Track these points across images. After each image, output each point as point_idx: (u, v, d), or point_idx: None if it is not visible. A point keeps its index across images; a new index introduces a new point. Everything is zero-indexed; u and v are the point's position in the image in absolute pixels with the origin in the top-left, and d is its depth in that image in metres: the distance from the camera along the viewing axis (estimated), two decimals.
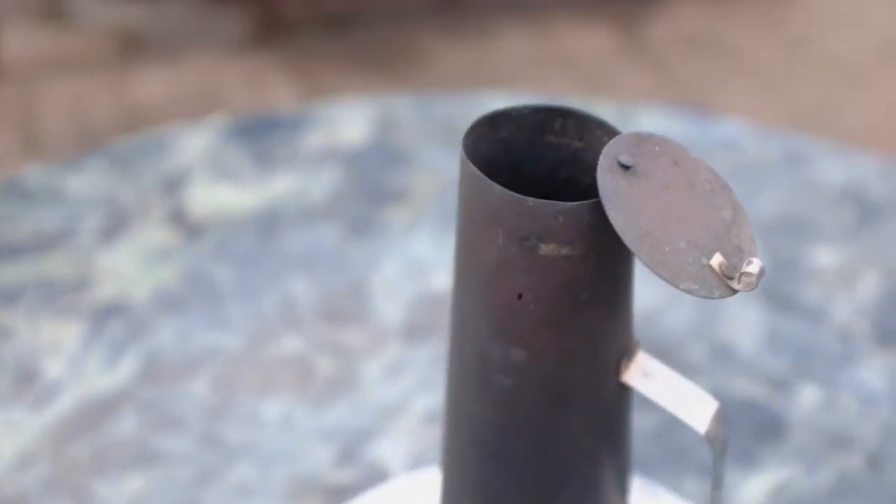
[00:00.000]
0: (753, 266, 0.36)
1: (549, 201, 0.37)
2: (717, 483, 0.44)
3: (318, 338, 0.65)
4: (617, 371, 0.41)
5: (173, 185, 0.75)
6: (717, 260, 0.37)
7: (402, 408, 0.61)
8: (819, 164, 0.78)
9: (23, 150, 1.77)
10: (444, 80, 1.95)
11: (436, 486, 0.56)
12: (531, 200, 0.37)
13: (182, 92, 1.90)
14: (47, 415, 0.60)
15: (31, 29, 2.01)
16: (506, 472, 0.43)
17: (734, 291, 0.36)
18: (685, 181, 0.38)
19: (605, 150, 0.37)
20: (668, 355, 0.64)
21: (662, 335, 0.65)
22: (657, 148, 0.38)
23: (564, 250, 0.38)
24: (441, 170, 0.76)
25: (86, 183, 0.74)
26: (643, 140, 0.38)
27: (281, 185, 0.75)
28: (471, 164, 0.39)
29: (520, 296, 0.39)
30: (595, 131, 0.41)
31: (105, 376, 0.62)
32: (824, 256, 0.71)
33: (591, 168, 0.41)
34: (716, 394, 0.62)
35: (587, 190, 0.42)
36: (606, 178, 0.36)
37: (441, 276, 0.69)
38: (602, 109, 0.81)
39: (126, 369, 0.63)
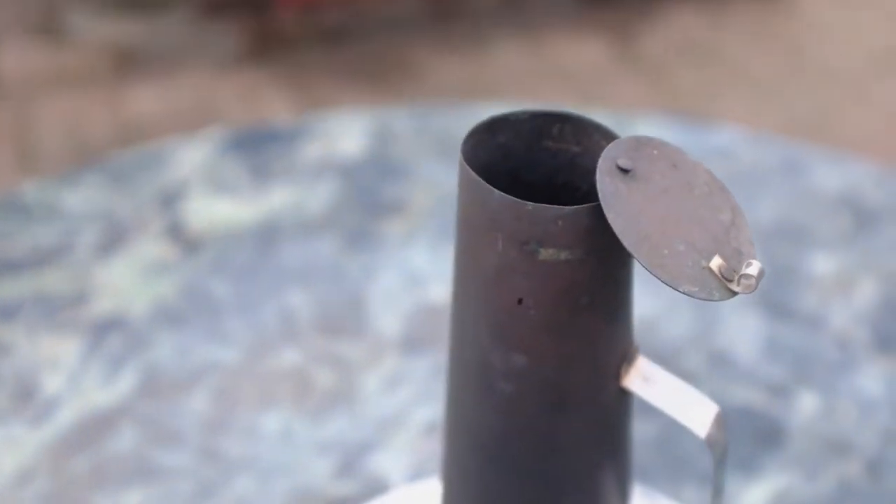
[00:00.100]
0: (753, 268, 0.36)
1: (548, 205, 0.37)
2: (717, 489, 0.44)
3: (316, 350, 0.65)
4: (617, 376, 0.41)
5: (170, 199, 0.75)
6: (716, 262, 0.37)
7: (401, 420, 0.61)
8: (815, 171, 0.78)
9: (19, 167, 1.77)
10: (440, 92, 1.95)
11: (436, 496, 0.56)
12: (530, 205, 0.37)
13: (178, 107, 1.91)
14: (46, 430, 0.60)
15: (26, 45, 2.01)
16: (507, 477, 0.43)
17: (734, 293, 0.36)
18: (684, 184, 0.38)
19: (603, 154, 0.37)
20: (666, 363, 0.64)
21: (661, 343, 0.65)
22: (655, 151, 0.38)
23: (564, 254, 0.38)
24: (438, 181, 0.76)
25: (83, 198, 0.74)
26: (641, 144, 0.38)
27: (278, 198, 0.75)
28: (469, 170, 0.39)
29: (520, 301, 0.39)
30: (593, 136, 0.41)
31: (104, 391, 0.62)
32: (821, 263, 0.71)
33: (590, 173, 0.41)
34: (715, 401, 0.62)
35: (586, 195, 0.42)
36: (605, 182, 0.36)
37: (439, 288, 0.69)
38: (598, 119, 0.81)
39: (125, 384, 0.63)
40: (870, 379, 0.64)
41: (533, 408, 0.41)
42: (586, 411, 0.41)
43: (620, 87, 1.97)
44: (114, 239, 0.72)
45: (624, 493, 0.45)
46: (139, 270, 0.70)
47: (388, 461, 0.59)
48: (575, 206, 0.37)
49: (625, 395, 0.42)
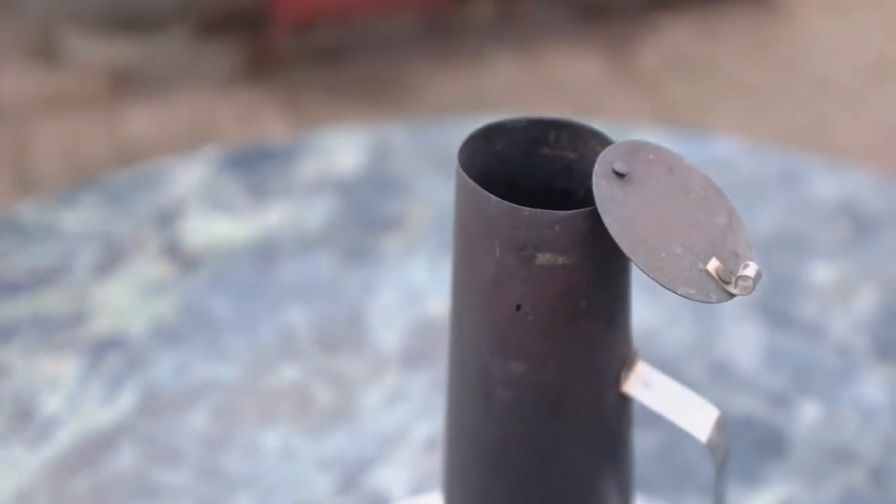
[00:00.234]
0: (750, 270, 0.36)
1: (544, 210, 0.37)
2: (719, 495, 0.44)
3: (316, 367, 0.65)
4: (617, 381, 0.41)
5: (168, 217, 0.74)
6: (713, 265, 0.37)
7: (401, 435, 0.61)
8: (813, 180, 0.78)
9: (16, 189, 1.77)
10: (438, 109, 1.96)
11: None
12: (527, 210, 0.37)
13: (174, 128, 1.91)
14: (45, 451, 0.60)
15: (23, 68, 2.01)
16: (508, 485, 0.42)
17: (731, 295, 0.36)
18: (680, 188, 0.38)
19: (599, 158, 0.37)
20: (667, 373, 0.64)
21: (661, 354, 0.65)
22: (651, 156, 0.38)
23: (561, 259, 0.38)
24: (436, 196, 0.76)
25: (80, 218, 0.74)
26: (637, 148, 0.38)
27: (276, 216, 0.75)
28: (466, 177, 0.39)
29: (518, 307, 0.39)
30: (589, 142, 0.41)
31: (103, 411, 0.62)
32: (821, 272, 0.71)
33: (586, 179, 0.41)
34: None
35: (582, 201, 0.42)
36: (602, 186, 0.36)
37: (438, 303, 0.69)
38: None
39: (124, 403, 0.62)
40: (871, 386, 0.63)
41: (533, 414, 0.41)
42: (586, 417, 0.41)
43: (616, 101, 1.98)
44: (112, 258, 0.72)
45: (625, 499, 0.45)
46: (137, 290, 0.69)
47: (389, 477, 0.59)
48: (571, 211, 0.37)
49: (625, 401, 0.42)
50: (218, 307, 0.68)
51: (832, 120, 1.94)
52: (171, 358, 0.65)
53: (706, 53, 2.11)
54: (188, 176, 0.78)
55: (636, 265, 0.35)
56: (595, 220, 0.37)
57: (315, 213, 0.75)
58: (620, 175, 0.37)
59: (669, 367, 0.65)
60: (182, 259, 0.71)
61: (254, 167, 0.79)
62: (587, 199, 0.42)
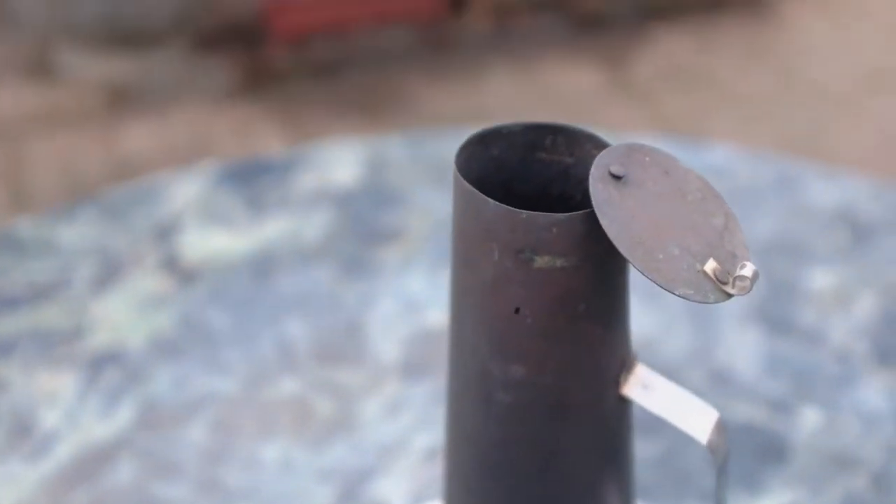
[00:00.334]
0: (747, 270, 0.36)
1: (542, 213, 0.37)
2: (720, 497, 0.43)
3: (315, 379, 0.64)
4: (616, 384, 0.41)
5: (165, 232, 0.74)
6: (710, 265, 0.37)
7: (401, 446, 0.61)
8: (810, 187, 0.78)
9: (13, 206, 1.77)
10: (434, 122, 1.96)
11: None
12: (524, 213, 0.37)
13: (171, 143, 1.91)
14: (44, 466, 0.60)
15: (19, 85, 2.01)
16: (508, 487, 0.42)
17: (729, 296, 0.37)
18: (676, 190, 0.38)
19: (596, 161, 0.37)
20: None
21: (661, 362, 0.65)
22: (647, 158, 0.38)
23: (559, 262, 0.38)
24: (433, 207, 0.76)
25: (78, 233, 0.74)
26: (633, 151, 0.38)
27: (273, 228, 0.75)
28: (464, 181, 0.39)
29: (517, 310, 0.39)
30: (585, 146, 0.41)
31: (102, 425, 0.62)
32: (820, 278, 0.71)
33: (583, 183, 0.41)
34: None
35: (579, 205, 0.42)
36: (598, 188, 0.36)
37: (436, 314, 0.69)
38: None
39: (123, 417, 0.62)
40: (871, 392, 0.63)
41: (533, 417, 0.41)
42: (586, 420, 0.41)
43: (613, 112, 1.98)
44: (110, 273, 0.71)
45: (626, 502, 0.45)
46: (136, 304, 0.69)
47: (389, 487, 0.58)
48: (569, 213, 0.37)
49: (624, 404, 0.42)
50: (216, 320, 0.68)
51: (828, 129, 1.94)
52: (170, 371, 0.65)
53: (702, 64, 2.11)
54: (186, 190, 0.78)
55: (634, 266, 0.35)
56: (592, 222, 0.37)
57: (313, 225, 0.75)
58: (617, 177, 0.37)
59: (669, 375, 0.64)
60: (180, 273, 0.71)
61: (251, 181, 0.79)
62: (584, 204, 0.42)
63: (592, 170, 0.37)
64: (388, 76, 2.08)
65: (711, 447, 0.41)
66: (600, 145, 0.40)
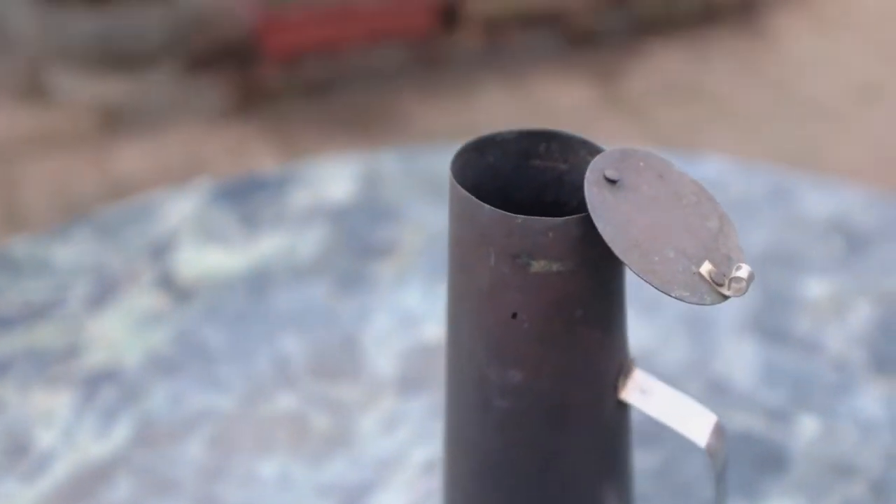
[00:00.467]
0: (742, 271, 0.36)
1: (537, 217, 0.37)
2: (719, 500, 0.43)
3: (312, 394, 0.64)
4: (614, 388, 0.41)
5: (160, 249, 0.74)
6: (706, 268, 0.37)
7: (399, 460, 0.61)
8: (804, 197, 0.78)
9: (7, 227, 1.77)
10: (425, 139, 1.96)
11: None
12: (520, 218, 0.37)
13: (165, 164, 1.91)
14: (41, 485, 0.60)
15: (13, 108, 2.01)
16: (507, 493, 0.42)
17: (725, 297, 0.37)
18: (671, 193, 0.38)
19: (591, 166, 0.37)
20: None
21: (658, 372, 0.65)
22: (642, 163, 0.38)
23: (556, 266, 0.38)
24: (427, 222, 0.76)
25: (73, 252, 0.74)
26: (628, 155, 0.38)
27: (268, 245, 0.75)
28: (459, 187, 0.39)
29: (514, 315, 0.39)
30: (579, 152, 0.41)
31: (98, 443, 0.62)
32: (815, 287, 0.71)
33: (578, 189, 0.42)
34: None
35: (574, 211, 0.42)
36: (593, 192, 0.37)
37: (432, 328, 0.69)
38: None
39: (119, 435, 0.62)
40: (869, 400, 0.63)
41: (531, 423, 0.41)
42: (584, 425, 0.41)
43: (606, 127, 1.98)
44: (105, 291, 0.71)
45: None
46: (131, 322, 0.69)
47: (388, 501, 0.58)
48: (564, 218, 0.37)
49: (623, 408, 0.42)
50: (212, 337, 0.68)
51: (821, 142, 1.95)
52: (166, 388, 0.65)
53: (694, 78, 2.12)
54: (180, 208, 0.78)
55: (630, 269, 0.35)
56: (588, 226, 0.37)
57: (308, 241, 0.75)
58: (612, 181, 0.37)
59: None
60: (176, 290, 0.71)
61: (246, 198, 0.79)
62: (579, 209, 0.42)
63: (587, 174, 0.37)
64: (380, 94, 2.08)
65: (710, 450, 0.41)
66: (594, 151, 0.40)
